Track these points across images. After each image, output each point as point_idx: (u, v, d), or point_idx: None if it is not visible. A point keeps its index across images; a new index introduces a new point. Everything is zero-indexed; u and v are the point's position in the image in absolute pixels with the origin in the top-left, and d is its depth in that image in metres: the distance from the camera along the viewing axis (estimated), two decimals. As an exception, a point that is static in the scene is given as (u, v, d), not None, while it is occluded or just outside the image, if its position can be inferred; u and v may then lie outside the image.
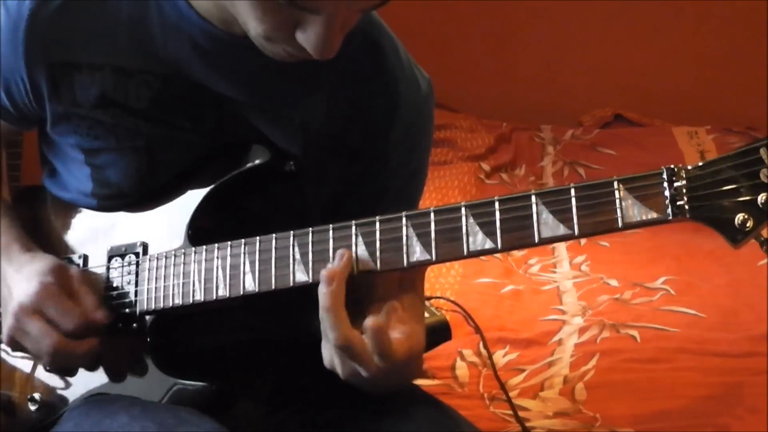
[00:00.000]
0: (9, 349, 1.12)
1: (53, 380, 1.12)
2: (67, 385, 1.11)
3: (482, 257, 2.21)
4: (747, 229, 0.79)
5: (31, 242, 1.11)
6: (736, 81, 3.18)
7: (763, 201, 0.78)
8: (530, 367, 1.77)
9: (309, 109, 1.06)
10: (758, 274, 1.99)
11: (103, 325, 1.04)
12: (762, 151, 0.79)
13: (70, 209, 1.15)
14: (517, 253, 2.29)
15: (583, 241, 2.31)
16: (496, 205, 0.87)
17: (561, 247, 2.30)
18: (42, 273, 1.04)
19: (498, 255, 2.26)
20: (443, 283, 2.13)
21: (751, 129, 3.05)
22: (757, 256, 2.08)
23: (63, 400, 1.11)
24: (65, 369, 1.08)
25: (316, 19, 0.86)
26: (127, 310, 1.06)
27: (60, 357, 1.03)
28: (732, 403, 1.61)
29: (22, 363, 1.15)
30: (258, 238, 0.98)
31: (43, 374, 1.12)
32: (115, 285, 1.07)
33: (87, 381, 1.09)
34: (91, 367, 1.07)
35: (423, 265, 0.92)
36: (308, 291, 1.10)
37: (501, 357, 1.81)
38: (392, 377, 0.94)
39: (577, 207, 0.84)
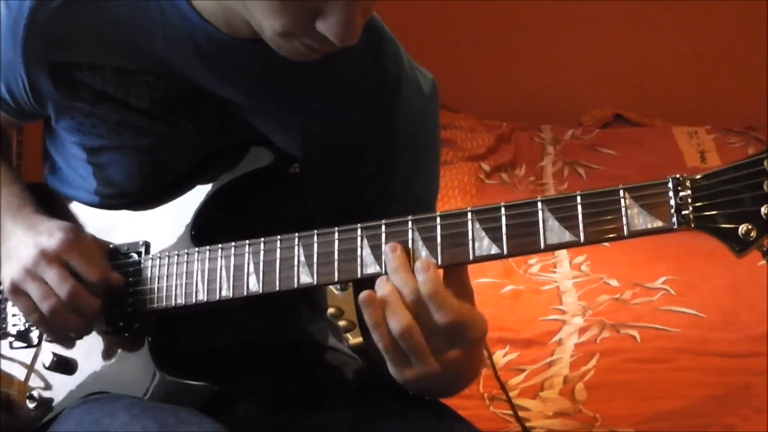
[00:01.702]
0: (14, 343, 1.13)
1: (52, 378, 1.12)
2: (66, 383, 1.11)
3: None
4: (750, 240, 0.80)
5: (40, 207, 1.12)
6: (736, 81, 3.19)
7: (766, 212, 0.79)
8: (530, 367, 1.78)
9: (309, 113, 1.05)
10: (758, 274, 1.99)
11: (118, 289, 1.05)
12: (766, 162, 0.79)
13: (72, 206, 1.15)
14: (518, 253, 2.29)
15: (583, 241, 2.31)
16: (503, 210, 0.87)
17: (561, 247, 2.30)
18: (64, 228, 1.05)
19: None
20: (443, 283, 2.13)
21: (751, 129, 3.05)
22: (757, 256, 2.07)
23: (62, 398, 1.11)
24: (62, 326, 1.07)
25: (336, 5, 0.84)
26: (129, 309, 1.06)
27: (71, 306, 1.03)
28: (732, 404, 1.61)
29: (21, 361, 1.15)
30: (262, 239, 0.98)
31: (41, 372, 1.12)
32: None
33: (86, 380, 1.09)
34: (86, 331, 1.07)
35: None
36: (311, 293, 1.11)
37: (501, 357, 1.81)
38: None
39: (582, 214, 0.84)
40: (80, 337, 1.08)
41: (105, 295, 1.04)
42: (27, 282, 1.04)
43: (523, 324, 1.95)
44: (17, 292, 1.05)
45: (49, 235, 1.05)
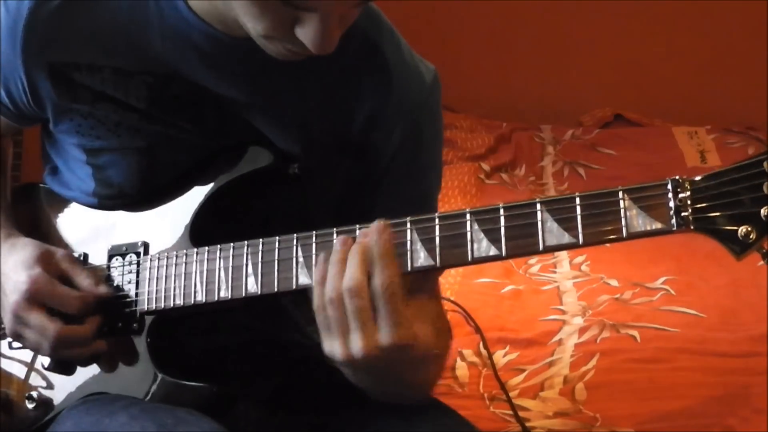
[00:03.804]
0: (13, 343, 1.13)
1: (51, 378, 1.12)
2: (65, 384, 1.11)
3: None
4: (750, 242, 0.79)
5: (12, 228, 1.12)
6: (736, 81, 3.19)
7: (765, 214, 0.79)
8: (530, 367, 1.77)
9: (308, 110, 1.05)
10: (758, 274, 1.99)
11: (107, 300, 1.05)
12: (766, 164, 0.79)
13: (71, 207, 1.15)
14: (517, 253, 2.29)
15: (583, 241, 2.31)
16: (501, 212, 0.87)
17: (561, 248, 2.30)
18: (28, 265, 1.05)
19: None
20: (443, 283, 2.13)
21: (751, 129, 3.05)
22: (757, 256, 2.07)
23: (60, 398, 1.11)
24: (68, 360, 1.07)
25: (311, 15, 0.85)
26: (127, 310, 1.06)
27: (65, 344, 1.03)
28: (732, 404, 1.61)
29: (20, 361, 1.15)
30: (261, 240, 0.98)
31: (41, 372, 1.12)
32: (115, 284, 1.07)
33: (85, 380, 1.09)
34: (90, 362, 1.07)
35: (427, 270, 0.92)
36: (311, 294, 1.10)
37: (501, 357, 1.81)
38: (390, 365, 0.91)
39: (581, 216, 0.84)
40: (93, 360, 1.08)
41: (97, 310, 1.04)
42: (20, 330, 1.05)
43: (523, 324, 1.95)
44: (19, 339, 1.07)
45: (16, 275, 1.05)
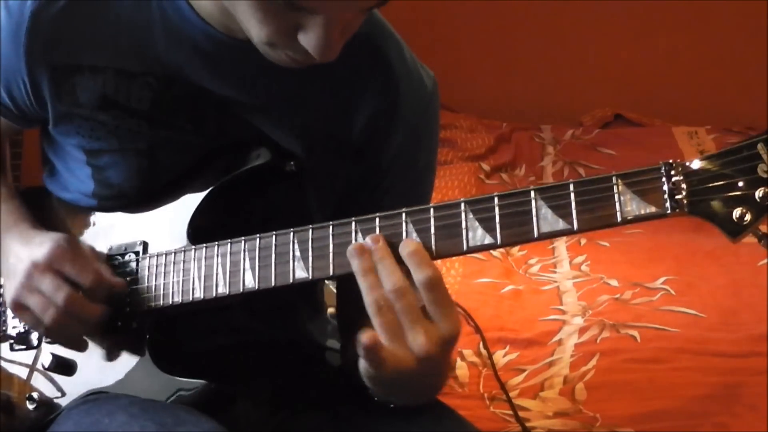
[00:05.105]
0: (11, 314, 1.12)
1: (52, 379, 1.12)
2: (66, 384, 1.11)
3: (482, 256, 2.22)
4: (745, 223, 0.79)
5: (39, 223, 1.12)
6: (736, 81, 3.19)
7: (761, 195, 0.78)
8: (530, 367, 1.78)
9: (310, 112, 1.06)
10: (758, 274, 1.99)
11: (121, 294, 1.05)
12: (760, 146, 0.79)
13: (70, 209, 1.15)
14: (517, 253, 2.29)
15: (583, 241, 2.31)
16: (496, 200, 0.87)
17: (561, 247, 2.30)
18: (55, 239, 1.05)
19: (498, 255, 2.26)
20: (443, 282, 2.13)
21: (751, 129, 3.05)
22: (757, 256, 2.08)
23: (61, 399, 1.11)
24: (68, 334, 1.06)
25: (315, 20, 0.86)
26: (127, 309, 1.06)
27: (70, 314, 1.02)
28: (732, 403, 1.61)
29: (21, 362, 1.14)
30: (258, 235, 0.98)
31: (42, 373, 1.12)
32: None
33: (86, 380, 1.09)
34: (79, 347, 1.07)
35: None
36: (311, 293, 1.10)
37: (501, 357, 1.81)
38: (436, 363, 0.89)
39: (576, 202, 0.83)
40: (82, 348, 1.08)
41: (108, 300, 1.04)
42: (26, 296, 1.04)
43: (523, 324, 1.95)
44: (19, 308, 1.05)
45: (40, 246, 1.04)
